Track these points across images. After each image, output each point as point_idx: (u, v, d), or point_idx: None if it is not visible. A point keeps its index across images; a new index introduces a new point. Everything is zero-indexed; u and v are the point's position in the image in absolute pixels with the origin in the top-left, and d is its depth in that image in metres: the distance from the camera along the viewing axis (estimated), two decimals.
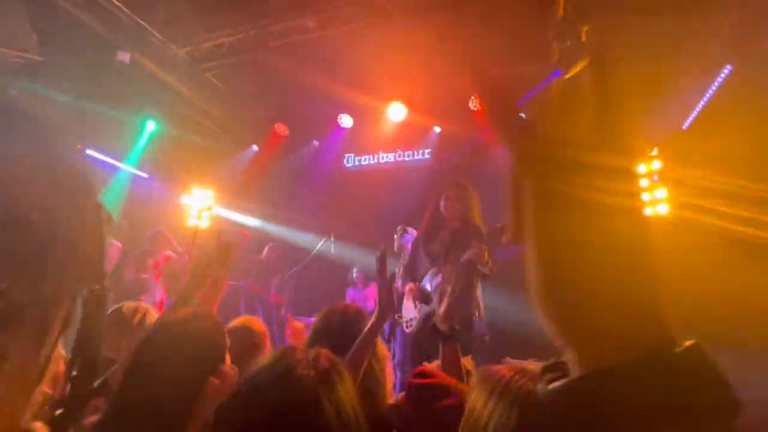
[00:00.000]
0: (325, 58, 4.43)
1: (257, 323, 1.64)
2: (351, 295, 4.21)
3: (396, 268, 3.89)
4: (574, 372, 0.28)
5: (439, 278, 2.67)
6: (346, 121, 5.43)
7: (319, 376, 0.67)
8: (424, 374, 0.97)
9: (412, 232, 3.92)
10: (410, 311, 2.79)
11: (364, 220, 4.57)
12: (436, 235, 2.81)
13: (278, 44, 4.15)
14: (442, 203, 2.81)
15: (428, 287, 2.76)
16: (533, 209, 0.30)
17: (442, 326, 1.26)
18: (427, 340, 1.33)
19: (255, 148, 5.96)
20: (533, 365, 0.79)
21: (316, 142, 5.84)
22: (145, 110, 4.96)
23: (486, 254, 2.41)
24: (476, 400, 0.68)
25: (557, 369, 0.30)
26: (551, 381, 0.30)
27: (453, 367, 1.20)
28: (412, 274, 2.95)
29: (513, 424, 0.58)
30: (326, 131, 5.66)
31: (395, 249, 3.90)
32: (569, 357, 0.29)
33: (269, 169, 5.79)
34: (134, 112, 4.85)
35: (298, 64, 4.49)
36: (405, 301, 2.88)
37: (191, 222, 4.73)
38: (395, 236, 3.92)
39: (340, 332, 1.28)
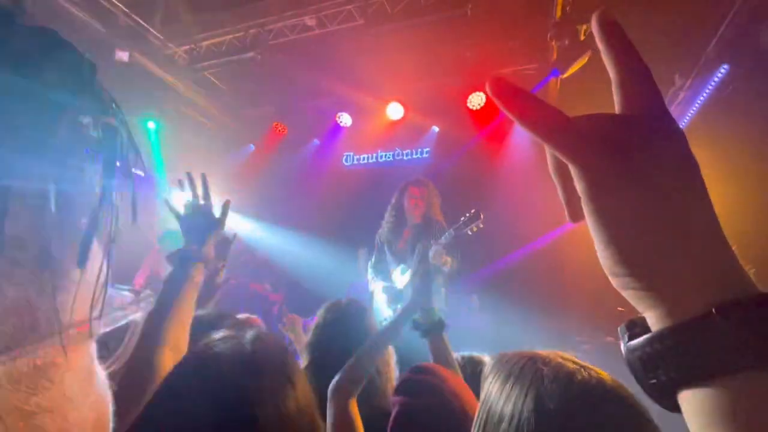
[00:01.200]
0: (324, 57, 4.47)
1: (257, 322, 1.67)
2: (352, 287, 4.24)
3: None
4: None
5: (407, 276, 2.70)
6: (345, 119, 5.47)
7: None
8: (420, 370, 0.95)
9: None
10: (383, 310, 2.79)
11: (361, 220, 4.60)
12: (399, 233, 2.86)
13: (277, 43, 4.19)
14: (405, 200, 2.86)
15: (398, 286, 2.78)
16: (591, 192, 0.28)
17: (425, 318, 1.26)
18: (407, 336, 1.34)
19: (252, 147, 6.00)
20: (545, 351, 0.81)
21: (317, 141, 5.87)
22: (145, 110, 4.99)
23: (443, 254, 2.43)
24: (491, 386, 0.66)
25: (636, 326, 0.30)
26: (632, 338, 0.30)
27: (444, 357, 1.20)
28: (381, 272, 2.96)
29: (529, 408, 0.57)
30: (325, 130, 5.70)
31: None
32: (650, 315, 0.29)
33: (267, 168, 5.83)
34: (134, 113, 4.89)
35: (297, 62, 4.54)
36: (377, 300, 2.90)
37: None
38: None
39: (344, 328, 1.30)
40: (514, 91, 0.30)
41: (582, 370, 0.60)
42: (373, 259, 3.10)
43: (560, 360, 0.63)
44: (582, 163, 0.29)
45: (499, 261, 4.51)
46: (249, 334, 0.67)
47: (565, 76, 3.79)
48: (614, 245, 0.29)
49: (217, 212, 1.19)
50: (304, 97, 5.21)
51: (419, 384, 0.90)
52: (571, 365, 0.61)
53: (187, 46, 4.45)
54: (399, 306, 2.68)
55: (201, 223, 1.13)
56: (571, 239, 4.21)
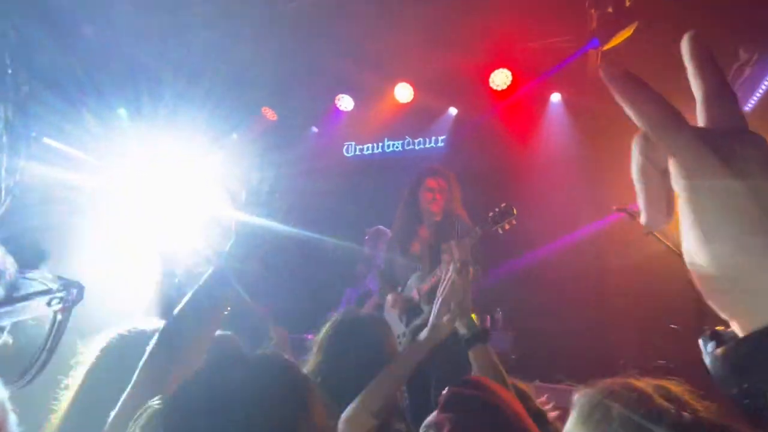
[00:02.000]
0: (320, 30, 4.46)
1: (234, 340, 1.66)
2: (349, 294, 4.24)
3: (369, 276, 3.93)
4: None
5: (429, 282, 2.66)
6: (345, 103, 5.46)
7: None
8: (469, 383, 0.97)
9: (384, 233, 3.94)
10: (395, 326, 2.70)
11: (366, 219, 4.59)
12: (414, 233, 2.81)
13: (266, 13, 4.19)
14: (421, 194, 2.81)
15: (414, 295, 2.72)
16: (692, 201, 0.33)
17: (460, 327, 1.26)
18: (447, 351, 1.33)
19: (235, 136, 6.01)
20: (638, 380, 0.80)
21: (315, 128, 5.87)
22: (116, 95, 5.03)
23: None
24: (567, 427, 0.68)
25: (720, 336, 0.33)
26: (716, 347, 0.33)
27: (491, 371, 1.21)
28: (392, 281, 2.91)
29: None
30: (322, 115, 5.69)
31: (366, 253, 3.95)
32: (735, 325, 0.32)
33: (252, 160, 5.84)
34: (104, 99, 4.92)
35: (288, 36, 4.53)
36: (387, 314, 2.83)
37: None
38: (366, 237, 3.97)
39: (357, 346, 1.30)
40: (630, 78, 0.35)
41: (671, 408, 0.57)
42: (382, 265, 3.08)
43: (641, 394, 0.61)
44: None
45: (526, 268, 4.49)
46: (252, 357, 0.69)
47: (607, 47, 3.76)
48: (718, 242, 0.33)
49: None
50: (297, 76, 5.21)
51: (470, 400, 0.91)
52: (657, 401, 0.59)
53: None
54: (417, 320, 2.63)
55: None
56: (614, 240, 4.17)
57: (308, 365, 1.31)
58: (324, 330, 1.37)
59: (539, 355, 4.03)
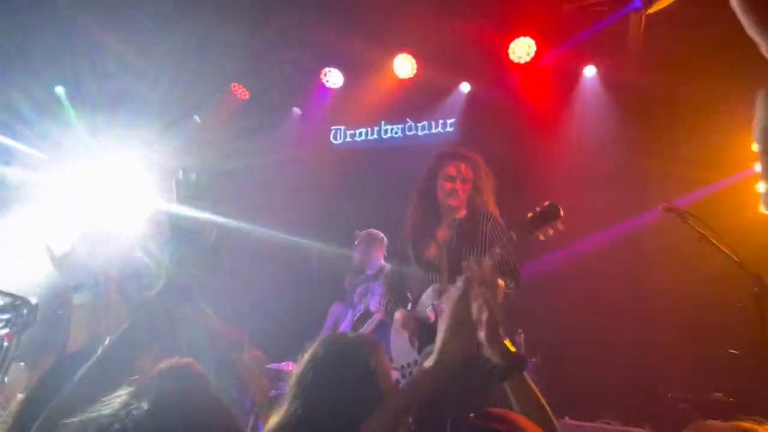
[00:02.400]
0: None
1: (195, 365, 1.68)
2: (336, 312, 4.24)
3: (359, 288, 3.92)
4: None
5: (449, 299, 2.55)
6: (333, 78, 5.46)
7: None
8: (491, 417, 1.00)
9: (377, 237, 3.92)
10: (405, 352, 2.60)
11: (358, 220, 4.59)
12: (431, 234, 2.71)
13: None
14: (439, 184, 2.74)
15: (430, 314, 2.59)
16: None
17: (493, 356, 1.27)
18: (474, 383, 1.31)
19: (197, 119, 5.98)
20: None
21: (297, 109, 5.86)
22: (53, 69, 5.01)
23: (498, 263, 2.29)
24: None
25: None
26: None
27: (533, 404, 1.21)
28: (401, 295, 2.81)
29: None
30: (304, 94, 5.69)
31: (356, 262, 3.93)
32: None
33: (220, 148, 5.83)
34: (39, 73, 4.89)
35: None
36: (395, 337, 2.72)
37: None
38: (356, 242, 3.96)
39: (342, 377, 1.29)
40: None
41: None
42: (390, 274, 2.98)
43: None
44: None
45: (552, 279, 4.50)
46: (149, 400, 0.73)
47: (652, 11, 3.78)
48: None
49: None
50: (273, 45, 5.20)
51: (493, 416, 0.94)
52: None
53: None
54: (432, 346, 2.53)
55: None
56: (659, 244, 4.17)
57: (282, 412, 1.31)
58: (301, 368, 1.35)
59: (568, 387, 4.03)
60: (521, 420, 0.99)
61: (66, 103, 5.30)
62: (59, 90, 5.24)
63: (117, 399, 0.74)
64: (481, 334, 1.27)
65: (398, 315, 2.71)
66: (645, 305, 4.31)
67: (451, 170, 2.71)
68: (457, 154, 2.80)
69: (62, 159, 5.14)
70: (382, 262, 3.97)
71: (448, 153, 2.82)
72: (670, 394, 3.68)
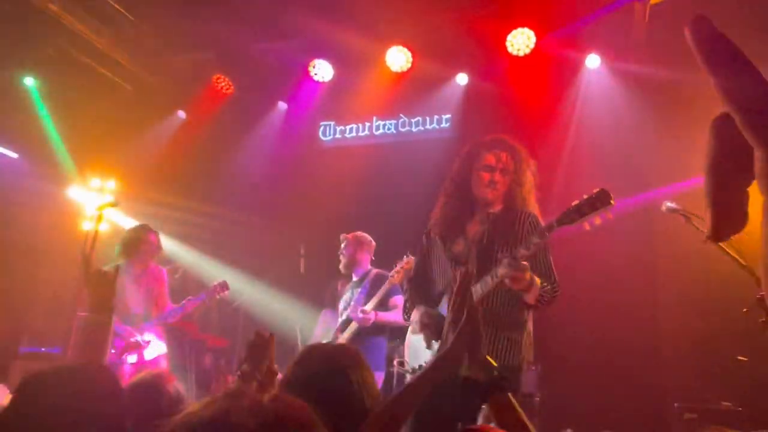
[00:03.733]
0: None
1: (169, 380, 1.69)
2: (326, 320, 4.25)
3: (345, 294, 3.93)
4: None
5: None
6: (322, 70, 5.44)
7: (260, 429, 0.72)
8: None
9: (364, 240, 3.93)
10: (422, 353, 2.62)
11: (349, 223, 4.58)
12: (461, 228, 2.63)
13: None
14: (475, 174, 2.60)
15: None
16: None
17: (480, 373, 1.27)
18: (453, 400, 1.31)
19: (182, 114, 5.97)
20: None
21: (283, 104, 5.85)
22: (18, 60, 4.96)
23: (523, 269, 2.21)
24: None
25: None
26: None
27: (515, 425, 1.21)
28: (423, 293, 2.74)
29: None
30: (291, 86, 5.66)
31: (342, 266, 3.95)
32: None
33: (202, 147, 5.81)
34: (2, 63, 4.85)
35: None
36: (412, 338, 2.74)
37: (86, 226, 4.74)
38: (342, 245, 3.97)
39: (326, 389, 1.29)
40: (720, 43, 0.35)
41: None
42: (412, 271, 2.92)
43: None
44: None
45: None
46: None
47: (655, 1, 3.80)
48: None
49: None
50: (260, 36, 5.18)
51: None
52: None
53: None
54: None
55: None
56: (664, 245, 4.18)
57: None
58: (286, 371, 1.38)
59: (571, 396, 4.04)
60: None
61: (36, 97, 5.25)
62: (28, 82, 5.17)
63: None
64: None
65: (415, 314, 2.64)
66: (650, 312, 4.33)
67: (490, 159, 2.58)
68: (499, 141, 2.65)
69: (34, 159, 5.10)
70: (369, 266, 3.97)
71: (488, 141, 2.66)
72: (676, 404, 3.69)
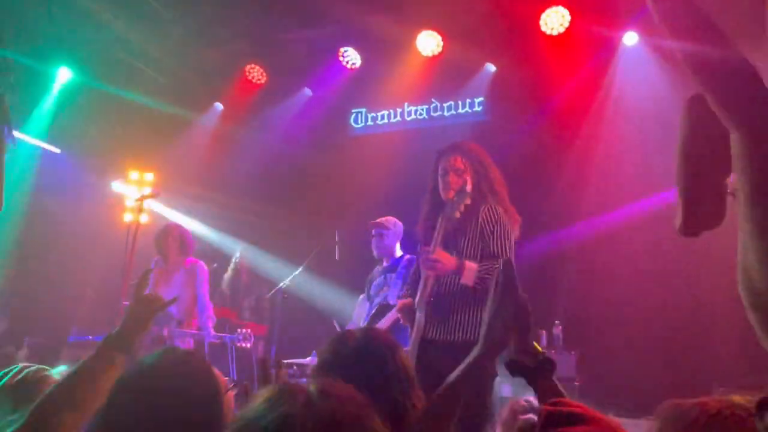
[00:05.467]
0: None
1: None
2: (362, 306, 4.29)
3: (376, 280, 3.98)
4: None
5: (420, 290, 2.75)
6: (352, 57, 5.45)
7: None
8: (560, 402, 1.06)
9: (394, 226, 3.96)
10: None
11: (382, 209, 4.60)
12: (431, 227, 2.86)
13: None
14: (438, 179, 2.89)
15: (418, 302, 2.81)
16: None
17: (526, 358, 1.30)
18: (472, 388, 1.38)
19: (219, 106, 6.06)
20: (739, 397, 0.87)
21: (308, 90, 5.87)
22: (57, 52, 5.09)
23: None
24: None
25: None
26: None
27: None
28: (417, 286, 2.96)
29: None
30: (322, 74, 5.69)
31: (375, 253, 4.02)
32: None
33: (236, 138, 5.90)
34: (41, 54, 4.98)
35: None
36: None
37: (127, 218, 4.90)
38: (372, 233, 4.01)
39: (362, 373, 1.28)
40: (694, 14, 0.31)
41: None
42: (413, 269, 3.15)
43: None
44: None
45: (591, 267, 4.47)
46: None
47: None
48: None
49: None
50: (290, 24, 5.21)
51: (575, 417, 0.97)
52: None
53: None
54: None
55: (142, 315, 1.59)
56: (712, 232, 4.07)
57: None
58: (320, 352, 1.41)
59: (610, 380, 4.01)
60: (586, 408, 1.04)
61: (69, 86, 5.39)
62: (63, 73, 5.31)
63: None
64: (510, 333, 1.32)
65: (399, 304, 2.99)
66: (695, 291, 4.23)
67: (443, 165, 2.88)
68: (449, 147, 2.95)
69: (77, 154, 5.28)
70: (399, 252, 4.00)
71: (442, 149, 2.97)
72: (721, 389, 3.63)
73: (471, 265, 2.60)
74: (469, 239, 2.77)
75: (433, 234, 2.81)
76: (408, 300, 2.94)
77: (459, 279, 2.64)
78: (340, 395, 0.84)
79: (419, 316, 2.74)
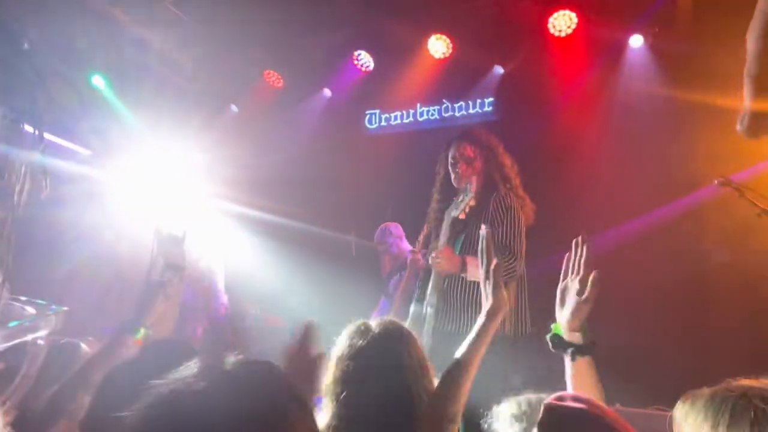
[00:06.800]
0: None
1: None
2: (384, 307, 4.40)
3: (393, 278, 4.06)
4: None
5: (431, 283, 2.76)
6: (365, 61, 5.55)
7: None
8: (562, 398, 1.07)
9: (394, 232, 4.04)
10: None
11: (396, 209, 4.70)
12: (441, 218, 2.87)
13: None
14: (450, 170, 2.87)
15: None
16: None
17: (570, 334, 1.43)
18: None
19: (234, 108, 6.20)
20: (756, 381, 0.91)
21: (327, 91, 5.97)
22: (87, 62, 5.25)
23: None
24: None
25: None
26: None
27: (596, 394, 1.35)
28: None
29: None
30: (337, 78, 5.81)
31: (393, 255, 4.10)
32: None
33: (254, 139, 6.00)
34: (78, 64, 5.12)
35: None
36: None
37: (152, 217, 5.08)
38: (383, 241, 4.12)
39: (381, 360, 1.37)
40: None
41: None
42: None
43: None
44: None
45: (598, 258, 4.50)
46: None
47: None
48: None
49: None
50: (306, 30, 5.31)
51: (577, 415, 1.00)
52: None
53: None
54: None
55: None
56: (715, 222, 4.11)
57: (325, 385, 1.40)
58: (338, 342, 1.45)
59: (618, 371, 4.02)
60: (595, 401, 1.08)
61: (109, 92, 5.53)
62: (97, 80, 5.45)
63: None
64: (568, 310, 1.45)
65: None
66: (701, 285, 4.26)
67: (453, 154, 2.85)
68: (458, 135, 2.92)
69: (107, 154, 5.43)
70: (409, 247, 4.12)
71: (451, 138, 2.94)
72: (728, 380, 3.67)
73: (475, 262, 2.54)
74: (475, 228, 2.68)
75: (440, 227, 2.81)
76: (420, 253, 2.99)
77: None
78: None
79: (431, 306, 2.72)
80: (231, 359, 0.80)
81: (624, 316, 4.31)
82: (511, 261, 2.61)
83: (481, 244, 1.50)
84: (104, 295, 5.05)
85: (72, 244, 5.05)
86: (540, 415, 1.02)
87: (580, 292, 1.40)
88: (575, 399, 1.05)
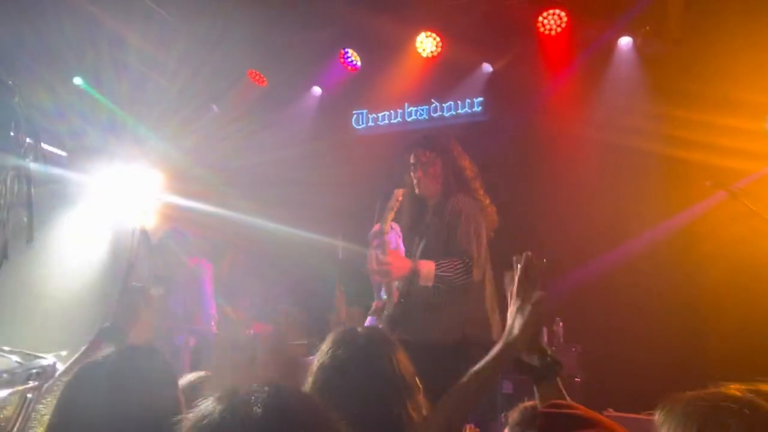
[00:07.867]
0: None
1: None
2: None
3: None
4: None
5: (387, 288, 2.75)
6: (352, 59, 5.47)
7: None
8: (557, 405, 1.08)
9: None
10: None
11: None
12: (413, 228, 2.86)
13: None
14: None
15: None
16: None
17: (535, 358, 1.33)
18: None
19: (215, 108, 6.08)
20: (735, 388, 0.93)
21: (313, 90, 5.89)
22: (68, 60, 5.11)
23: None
24: None
25: None
26: None
27: None
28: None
29: None
30: (324, 76, 5.73)
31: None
32: None
33: (238, 140, 5.91)
34: (58, 67, 5.00)
35: None
36: None
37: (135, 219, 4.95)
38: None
39: (362, 374, 1.31)
40: None
41: None
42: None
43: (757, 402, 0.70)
44: None
45: (591, 267, 4.49)
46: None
47: None
48: None
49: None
50: (291, 28, 5.23)
51: (568, 418, 1.00)
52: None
53: None
54: None
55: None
56: (707, 227, 4.10)
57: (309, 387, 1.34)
58: (321, 350, 1.39)
59: (611, 377, 4.03)
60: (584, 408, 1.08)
61: (87, 92, 5.39)
62: (78, 80, 5.32)
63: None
64: (517, 330, 1.31)
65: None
66: (694, 293, 4.24)
67: (410, 159, 2.79)
68: (415, 140, 2.86)
69: (83, 156, 5.30)
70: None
71: (409, 143, 2.88)
72: (714, 384, 3.65)
73: (427, 266, 2.49)
74: (434, 235, 2.69)
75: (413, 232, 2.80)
76: (379, 303, 2.88)
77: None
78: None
79: (390, 316, 2.69)
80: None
81: (616, 321, 4.29)
82: (467, 263, 2.53)
83: (521, 270, 1.35)
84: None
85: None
86: (538, 420, 1.06)
87: (521, 312, 1.28)
88: (569, 406, 1.07)
